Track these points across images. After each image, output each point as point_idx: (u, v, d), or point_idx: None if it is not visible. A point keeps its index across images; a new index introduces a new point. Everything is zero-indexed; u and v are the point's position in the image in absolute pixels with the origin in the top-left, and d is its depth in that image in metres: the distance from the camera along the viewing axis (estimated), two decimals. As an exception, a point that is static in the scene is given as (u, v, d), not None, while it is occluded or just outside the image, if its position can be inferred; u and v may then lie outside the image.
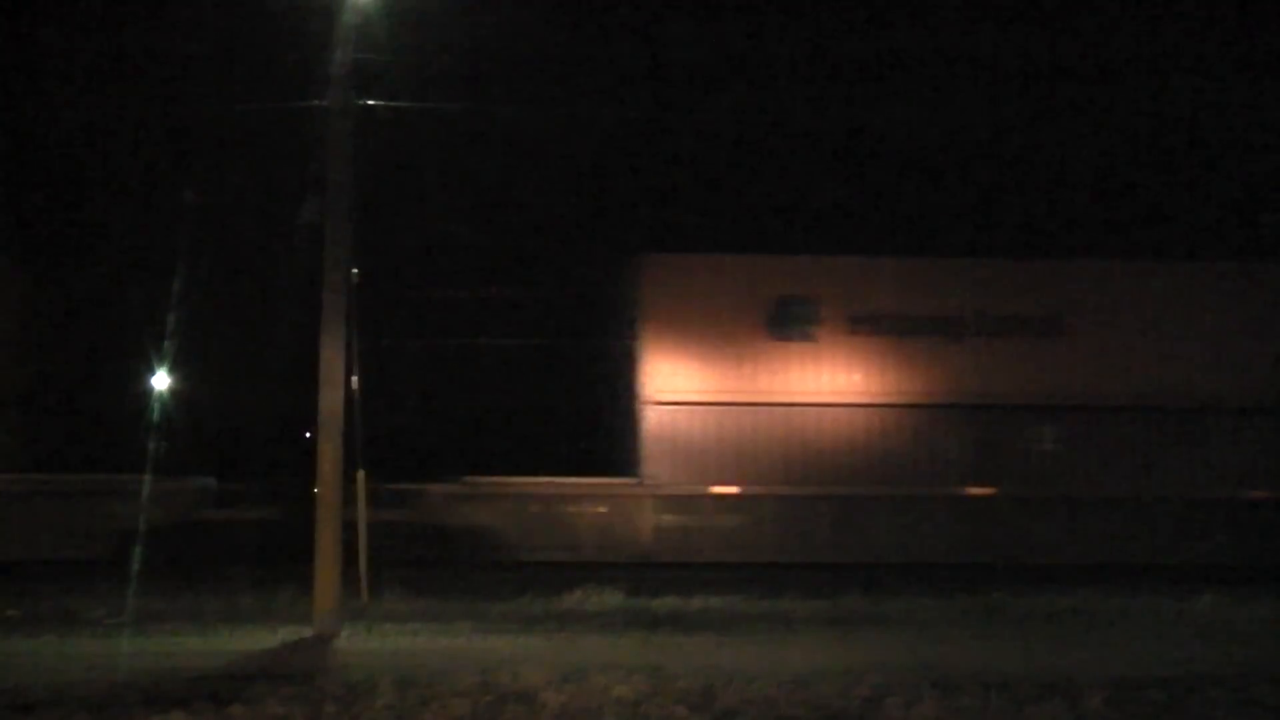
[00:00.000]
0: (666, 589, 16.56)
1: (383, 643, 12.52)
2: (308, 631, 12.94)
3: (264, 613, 14.49)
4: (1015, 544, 20.72)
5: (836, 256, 22.59)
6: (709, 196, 27.28)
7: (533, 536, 20.95)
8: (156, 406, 20.68)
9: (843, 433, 21.22)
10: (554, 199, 26.25)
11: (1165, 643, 12.61)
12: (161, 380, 21.65)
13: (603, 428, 22.60)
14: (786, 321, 21.40)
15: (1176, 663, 10.95)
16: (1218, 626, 13.87)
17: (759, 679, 9.84)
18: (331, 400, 13.24)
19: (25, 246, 23.34)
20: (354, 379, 14.27)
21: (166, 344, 21.12)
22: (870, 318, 21.55)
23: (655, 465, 21.26)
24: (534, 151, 25.53)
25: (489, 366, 23.02)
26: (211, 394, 22.04)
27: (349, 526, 19.98)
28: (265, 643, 12.53)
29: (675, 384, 21.41)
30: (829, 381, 21.28)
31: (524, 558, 20.45)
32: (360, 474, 15.61)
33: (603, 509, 21.27)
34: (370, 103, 13.97)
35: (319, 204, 13.79)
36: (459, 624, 13.73)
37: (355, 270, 14.52)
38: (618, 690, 9.45)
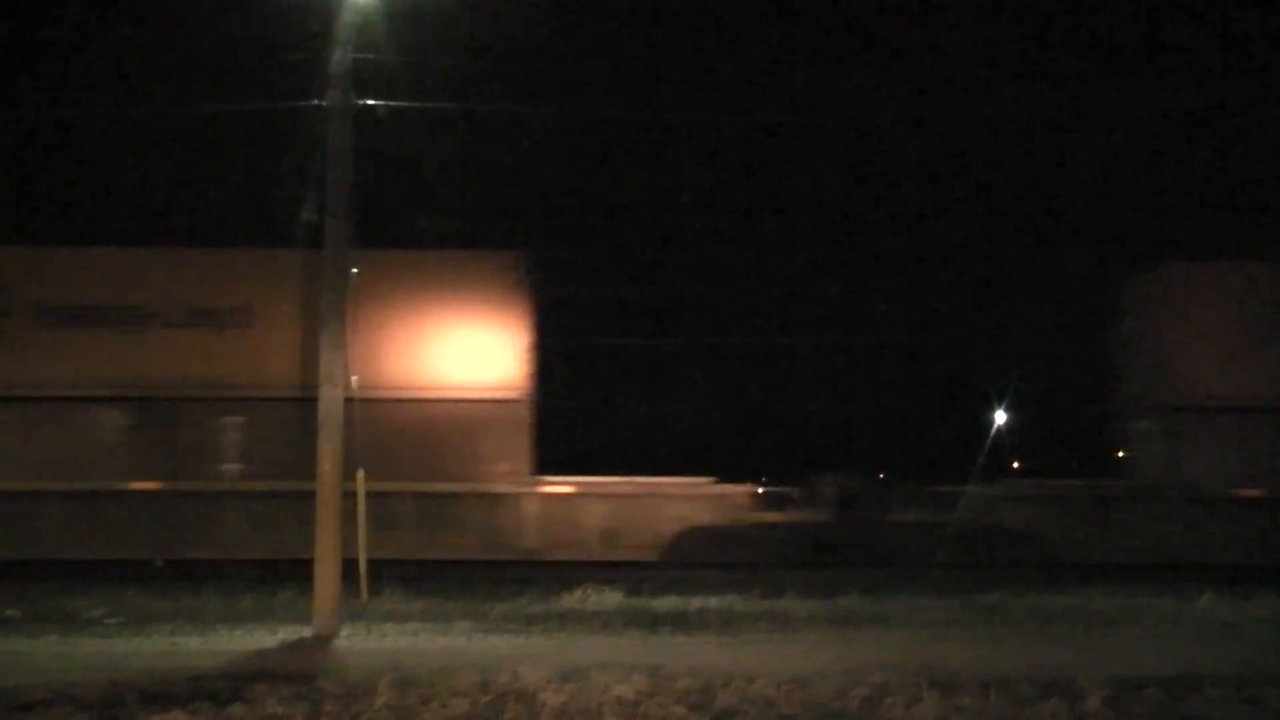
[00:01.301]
0: (666, 589, 16.59)
1: (382, 643, 12.53)
2: (307, 631, 12.95)
3: (263, 613, 14.52)
4: None
5: None
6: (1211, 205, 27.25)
7: (1072, 538, 20.91)
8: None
9: None
10: (1057, 209, 26.53)
11: (1165, 643, 12.59)
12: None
13: (1124, 431, 23.03)
14: None
15: (1176, 663, 10.94)
16: (1218, 626, 13.86)
17: (758, 679, 9.84)
18: (331, 400, 13.24)
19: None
20: (353, 378, 14.24)
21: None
22: None
23: (1178, 468, 21.33)
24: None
25: (1009, 372, 23.39)
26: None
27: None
28: (265, 643, 12.54)
29: (1193, 387, 21.41)
30: None
31: (1063, 559, 20.41)
32: (359, 474, 15.57)
33: (1133, 511, 21.15)
34: (370, 102, 13.97)
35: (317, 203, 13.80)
36: (458, 624, 13.75)
37: (355, 270, 14.51)
38: (617, 690, 9.45)
